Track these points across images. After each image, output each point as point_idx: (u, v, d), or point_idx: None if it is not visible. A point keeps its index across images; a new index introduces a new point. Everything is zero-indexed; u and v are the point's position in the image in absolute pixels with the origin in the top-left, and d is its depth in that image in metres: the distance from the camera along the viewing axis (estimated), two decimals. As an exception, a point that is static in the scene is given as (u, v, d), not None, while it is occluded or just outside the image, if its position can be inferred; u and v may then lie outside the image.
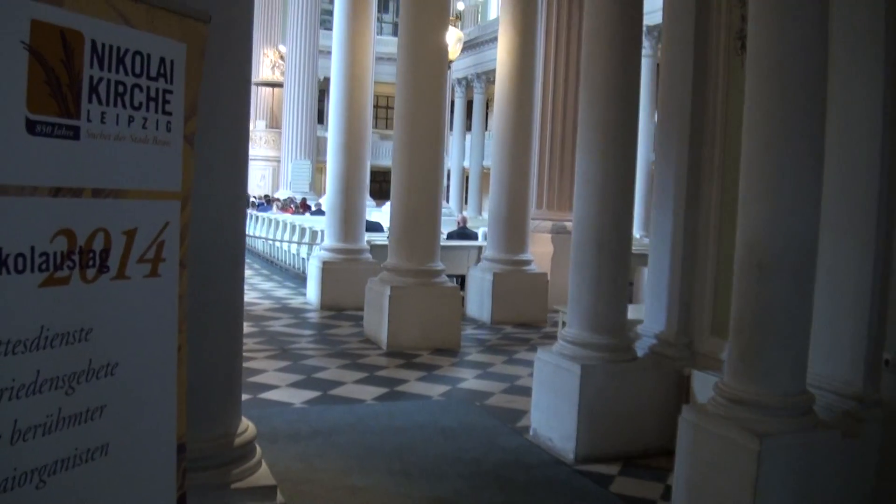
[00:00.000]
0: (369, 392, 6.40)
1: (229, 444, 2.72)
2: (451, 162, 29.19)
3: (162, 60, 2.09)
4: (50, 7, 1.77)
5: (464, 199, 30.23)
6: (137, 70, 2.02)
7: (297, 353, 7.70)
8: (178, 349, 2.26)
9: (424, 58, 7.95)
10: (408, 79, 8.06)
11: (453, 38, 11.00)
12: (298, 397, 6.14)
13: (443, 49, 8.21)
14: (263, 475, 2.78)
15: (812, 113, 3.51)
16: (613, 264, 5.01)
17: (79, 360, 1.93)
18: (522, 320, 9.84)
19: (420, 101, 8.02)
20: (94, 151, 1.92)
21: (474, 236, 12.54)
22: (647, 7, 5.23)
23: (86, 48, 1.87)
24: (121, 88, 1.97)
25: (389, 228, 8.69)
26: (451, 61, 11.01)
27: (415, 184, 8.17)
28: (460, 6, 29.49)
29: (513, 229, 10.18)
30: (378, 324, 8.28)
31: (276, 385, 6.46)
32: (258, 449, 2.90)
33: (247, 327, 9.04)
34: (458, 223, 12.97)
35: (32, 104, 1.75)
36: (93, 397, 1.97)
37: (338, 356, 7.68)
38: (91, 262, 1.94)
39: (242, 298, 2.86)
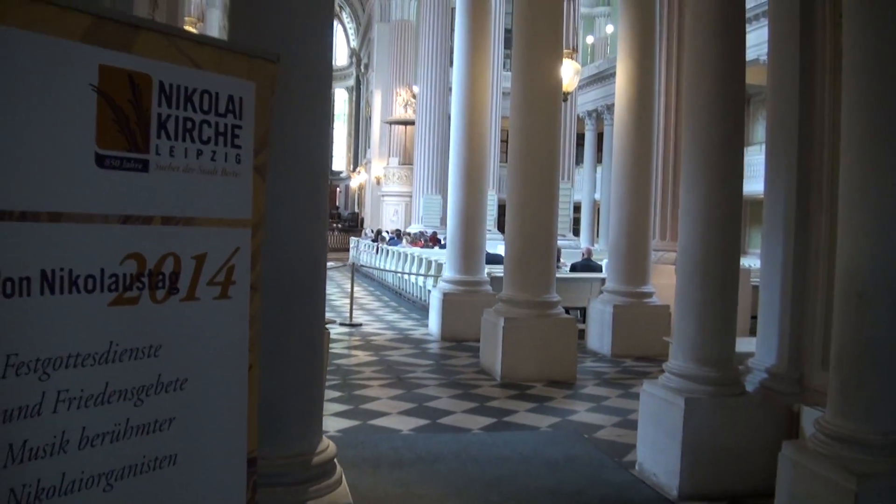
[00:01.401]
0: (477, 422, 6.42)
1: (307, 463, 2.82)
2: (582, 194, 28.98)
3: (230, 98, 2.25)
4: (118, 53, 1.95)
5: (595, 232, 29.87)
6: (206, 107, 2.18)
7: (411, 382, 7.84)
8: (249, 368, 2.38)
9: (537, 90, 8.01)
10: (521, 111, 8.13)
11: (570, 71, 11.02)
12: (407, 424, 6.24)
13: (556, 81, 8.24)
14: (341, 494, 2.87)
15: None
16: (718, 294, 4.83)
17: (148, 374, 2.08)
18: (643, 353, 9.59)
19: (533, 133, 8.07)
20: (164, 182, 2.08)
21: (598, 268, 12.37)
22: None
23: (154, 89, 2.04)
24: (189, 124, 2.13)
25: (504, 260, 8.72)
26: (567, 93, 11.02)
27: (529, 215, 8.20)
28: (589, 40, 29.47)
29: (633, 261, 9.98)
30: (493, 355, 8.30)
31: (387, 412, 6.60)
32: (338, 468, 2.99)
33: (366, 356, 9.36)
34: (583, 255, 12.84)
35: (101, 140, 1.92)
36: (162, 410, 2.12)
37: (451, 386, 7.75)
38: (160, 284, 2.09)
39: (322, 321, 2.97)
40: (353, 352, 9.75)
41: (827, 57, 4.78)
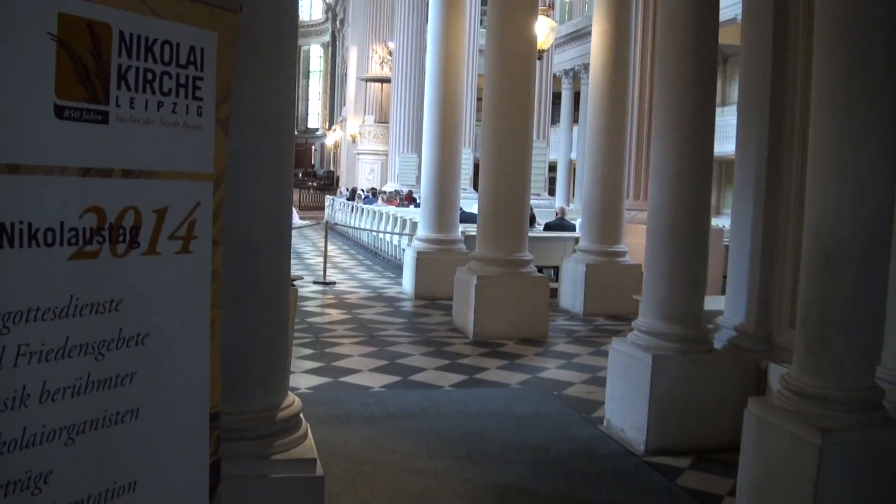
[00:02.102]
0: (448, 379, 6.48)
1: (272, 418, 2.84)
2: (559, 154, 28.95)
3: (192, 49, 2.21)
4: (77, 1, 1.90)
5: (571, 192, 29.93)
6: (166, 58, 2.14)
7: (384, 340, 7.88)
8: (212, 323, 2.38)
9: (510, 47, 7.96)
10: (494, 68, 8.08)
11: (545, 28, 10.93)
12: (378, 381, 6.29)
13: (531, 38, 8.19)
14: (306, 449, 2.89)
15: (881, 88, 3.32)
16: (687, 253, 4.88)
17: (108, 329, 2.07)
18: (615, 312, 9.69)
19: (507, 91, 8.03)
20: (124, 135, 2.05)
21: (572, 228, 12.43)
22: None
23: (114, 38, 2.00)
24: (149, 76, 2.09)
25: (478, 218, 8.74)
26: (542, 51, 10.95)
27: (502, 173, 8.19)
28: (567, -4, 29.16)
29: (607, 220, 10.04)
30: (465, 313, 8.35)
31: (358, 370, 6.64)
32: (304, 424, 3.01)
33: (339, 314, 9.38)
34: (557, 214, 12.90)
35: (60, 91, 1.88)
36: (123, 364, 2.11)
37: (423, 343, 7.80)
38: (121, 238, 2.07)
39: (288, 276, 2.96)
40: (326, 310, 9.77)
41: (800, 19, 4.80)
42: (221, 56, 2.31)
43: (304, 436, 2.96)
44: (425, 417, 5.34)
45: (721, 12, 5.16)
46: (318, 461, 2.87)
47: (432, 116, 10.60)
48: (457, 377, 6.55)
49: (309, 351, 7.27)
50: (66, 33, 1.89)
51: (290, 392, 3.04)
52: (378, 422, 5.21)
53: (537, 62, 12.23)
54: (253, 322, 2.79)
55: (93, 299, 2.02)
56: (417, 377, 6.50)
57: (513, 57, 7.98)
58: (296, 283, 3.73)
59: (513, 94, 8.03)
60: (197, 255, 2.30)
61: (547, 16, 11.02)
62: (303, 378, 6.27)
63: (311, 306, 9.91)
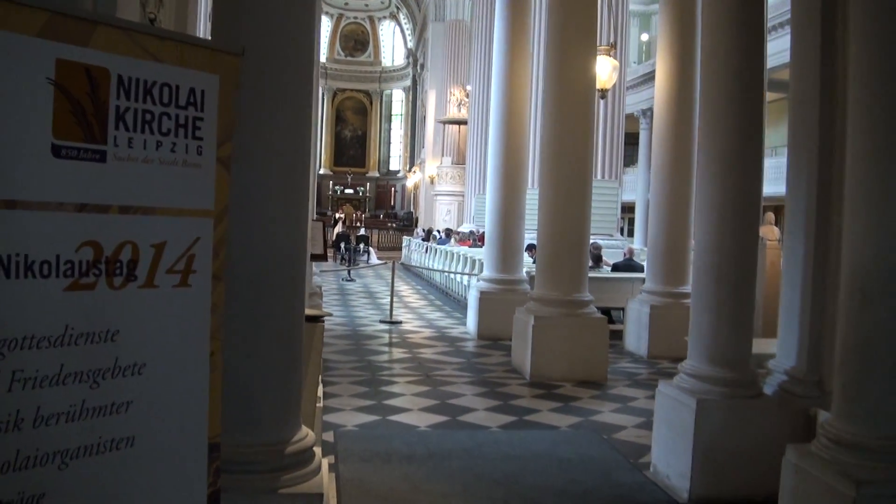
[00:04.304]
0: (497, 420, 6.42)
1: (280, 452, 2.88)
2: (636, 194, 28.59)
3: (192, 91, 2.32)
4: (76, 47, 2.04)
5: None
6: (165, 100, 2.25)
7: (439, 380, 7.88)
8: (211, 354, 2.45)
9: (568, 87, 7.99)
10: (552, 108, 8.11)
11: (608, 68, 10.91)
12: (426, 421, 6.29)
13: (589, 77, 8.19)
14: (315, 484, 2.92)
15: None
16: (734, 293, 4.75)
17: (104, 358, 2.16)
18: (680, 355, 9.28)
19: (565, 130, 8.04)
20: (122, 172, 2.16)
21: (640, 269, 12.21)
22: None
23: (112, 82, 2.12)
24: (148, 116, 2.21)
25: (536, 258, 8.70)
26: (604, 90, 10.92)
27: (561, 213, 8.16)
28: (644, 37, 29.08)
29: (672, 261, 9.84)
30: (523, 354, 8.30)
31: (408, 409, 6.65)
32: (317, 458, 3.04)
33: (400, 353, 9.45)
34: (625, 255, 12.70)
35: (58, 131, 2.01)
36: (118, 392, 2.20)
37: (478, 384, 7.77)
38: (118, 271, 2.17)
39: (301, 312, 3.02)
40: (387, 348, 9.84)
41: (847, 65, 4.67)
42: (223, 97, 2.42)
43: (316, 471, 2.99)
44: (467, 458, 5.30)
45: (774, 57, 5.07)
46: (325, 497, 2.89)
47: (496, 157, 10.67)
48: (506, 418, 6.49)
49: (363, 389, 7.34)
50: (63, 77, 2.02)
51: (303, 426, 3.08)
52: (418, 461, 5.20)
53: (601, 101, 12.23)
54: (263, 356, 2.85)
55: (88, 329, 2.12)
56: (466, 417, 6.47)
57: (570, 96, 8.00)
58: (323, 319, 3.79)
59: (571, 135, 8.02)
60: (196, 289, 2.38)
61: (609, 55, 10.99)
62: (352, 416, 6.33)
63: (373, 345, 10.01)
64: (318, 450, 3.14)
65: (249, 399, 2.82)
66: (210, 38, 3.10)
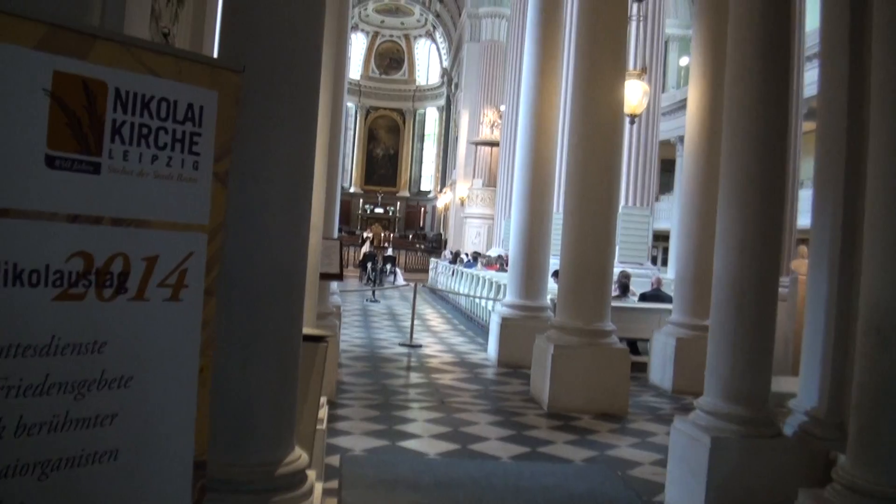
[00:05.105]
0: (509, 450, 6.39)
1: (271, 473, 2.90)
2: (671, 223, 28.40)
3: (190, 106, 2.38)
4: (74, 60, 2.11)
5: (685, 263, 29.20)
6: (163, 114, 2.31)
7: (453, 407, 7.87)
8: (200, 371, 2.49)
9: (595, 110, 8.00)
10: (578, 132, 8.13)
11: (639, 93, 10.92)
12: (435, 448, 6.28)
13: (617, 101, 8.21)
14: (306, 506, 2.94)
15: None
16: (753, 327, 4.71)
17: (90, 369, 2.21)
18: (706, 391, 9.31)
19: (590, 155, 8.05)
20: (115, 184, 2.22)
21: (668, 299, 12.10)
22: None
23: (109, 95, 2.19)
24: (145, 130, 2.27)
25: (558, 285, 8.69)
26: (634, 115, 10.92)
27: (583, 239, 8.15)
28: (683, 62, 29.00)
29: (700, 291, 9.70)
30: (541, 383, 8.26)
31: (419, 435, 6.66)
32: (309, 481, 3.06)
33: (416, 378, 9.46)
34: (653, 284, 12.62)
35: (53, 142, 2.08)
36: (104, 405, 2.24)
37: (494, 412, 7.74)
38: (108, 283, 2.23)
39: (299, 330, 3.06)
40: (404, 372, 9.86)
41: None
42: (222, 113, 2.47)
43: (307, 494, 3.01)
44: (473, 488, 5.28)
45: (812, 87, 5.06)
46: (314, 519, 2.91)
47: (522, 179, 10.70)
48: (519, 449, 6.46)
49: (375, 413, 7.35)
50: (60, 89, 2.09)
51: (297, 448, 3.11)
52: (423, 489, 5.19)
53: (633, 126, 12.22)
54: (258, 374, 2.89)
55: (76, 340, 2.17)
56: (478, 446, 6.45)
57: (597, 119, 8.01)
58: (326, 339, 3.83)
59: (596, 158, 8.03)
60: (186, 304, 2.43)
61: (640, 79, 11.00)
62: (361, 440, 6.34)
63: (390, 368, 10.03)
64: (311, 472, 3.16)
65: (240, 418, 2.86)
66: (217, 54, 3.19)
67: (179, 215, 2.40)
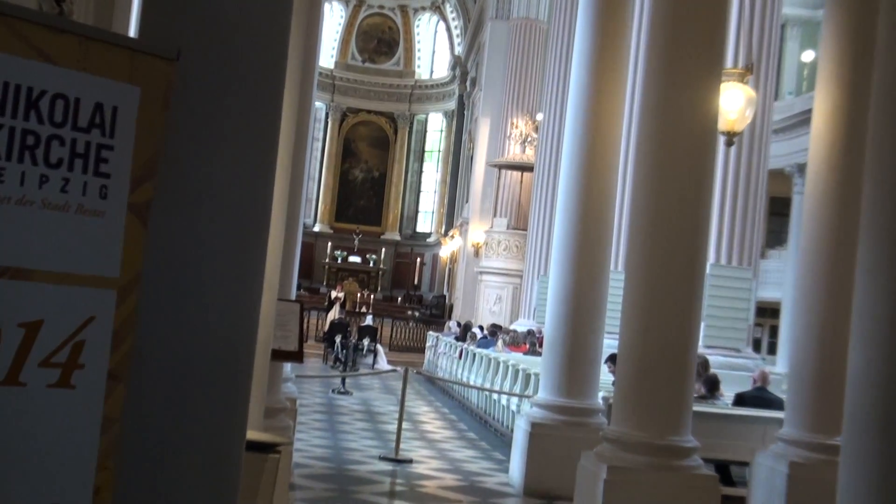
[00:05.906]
0: None
1: None
2: (785, 291, 28.40)
3: (98, 107, 2.42)
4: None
5: (801, 350, 29.19)
6: (58, 118, 2.35)
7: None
8: (96, 492, 2.49)
9: (676, 125, 8.07)
10: (649, 156, 8.22)
11: (740, 101, 10.96)
12: None
13: (711, 114, 8.29)
14: None
15: None
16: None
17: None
18: (832, 542, 9.24)
19: (667, 188, 8.09)
20: (-17, 217, 2.25)
21: (778, 403, 12.10)
22: None
23: (-21, 86, 2.24)
24: (30, 140, 2.31)
25: (615, 378, 8.69)
26: (733, 133, 10.95)
27: (655, 310, 8.15)
28: (807, 56, 29.28)
29: (826, 395, 9.71)
30: (588, 523, 8.22)
31: None
32: None
33: (405, 510, 9.40)
34: (755, 381, 12.58)
35: None
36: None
37: (517, 564, 7.70)
38: (-38, 361, 2.25)
39: (242, 436, 3.08)
40: (386, 501, 9.81)
41: None
42: (145, 118, 2.51)
43: None
44: None
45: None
46: None
47: (566, 219, 10.75)
48: None
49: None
50: None
51: None
52: None
53: (728, 149, 12.31)
54: (175, 494, 2.90)
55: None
56: None
57: (678, 139, 8.08)
58: (279, 448, 3.84)
59: (675, 194, 8.07)
60: (80, 393, 2.44)
61: (743, 82, 11.10)
62: None
63: (365, 494, 9.99)
64: None
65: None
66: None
67: (77, 264, 2.42)
